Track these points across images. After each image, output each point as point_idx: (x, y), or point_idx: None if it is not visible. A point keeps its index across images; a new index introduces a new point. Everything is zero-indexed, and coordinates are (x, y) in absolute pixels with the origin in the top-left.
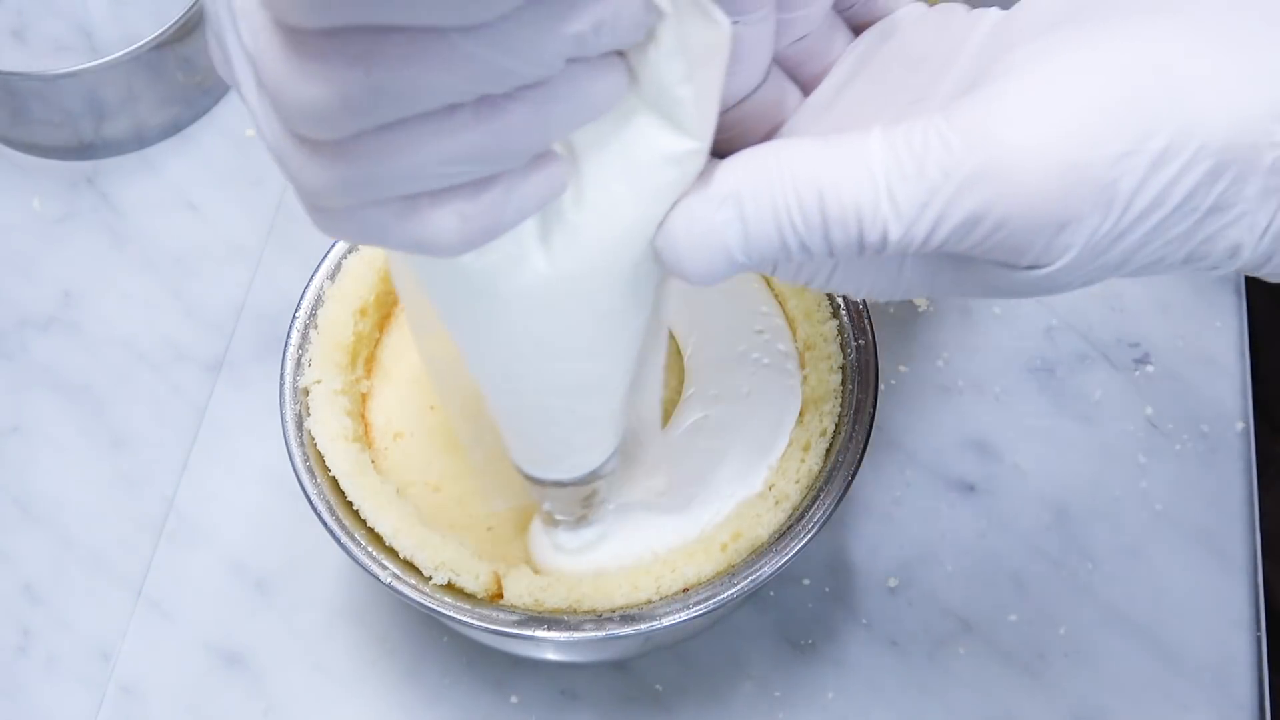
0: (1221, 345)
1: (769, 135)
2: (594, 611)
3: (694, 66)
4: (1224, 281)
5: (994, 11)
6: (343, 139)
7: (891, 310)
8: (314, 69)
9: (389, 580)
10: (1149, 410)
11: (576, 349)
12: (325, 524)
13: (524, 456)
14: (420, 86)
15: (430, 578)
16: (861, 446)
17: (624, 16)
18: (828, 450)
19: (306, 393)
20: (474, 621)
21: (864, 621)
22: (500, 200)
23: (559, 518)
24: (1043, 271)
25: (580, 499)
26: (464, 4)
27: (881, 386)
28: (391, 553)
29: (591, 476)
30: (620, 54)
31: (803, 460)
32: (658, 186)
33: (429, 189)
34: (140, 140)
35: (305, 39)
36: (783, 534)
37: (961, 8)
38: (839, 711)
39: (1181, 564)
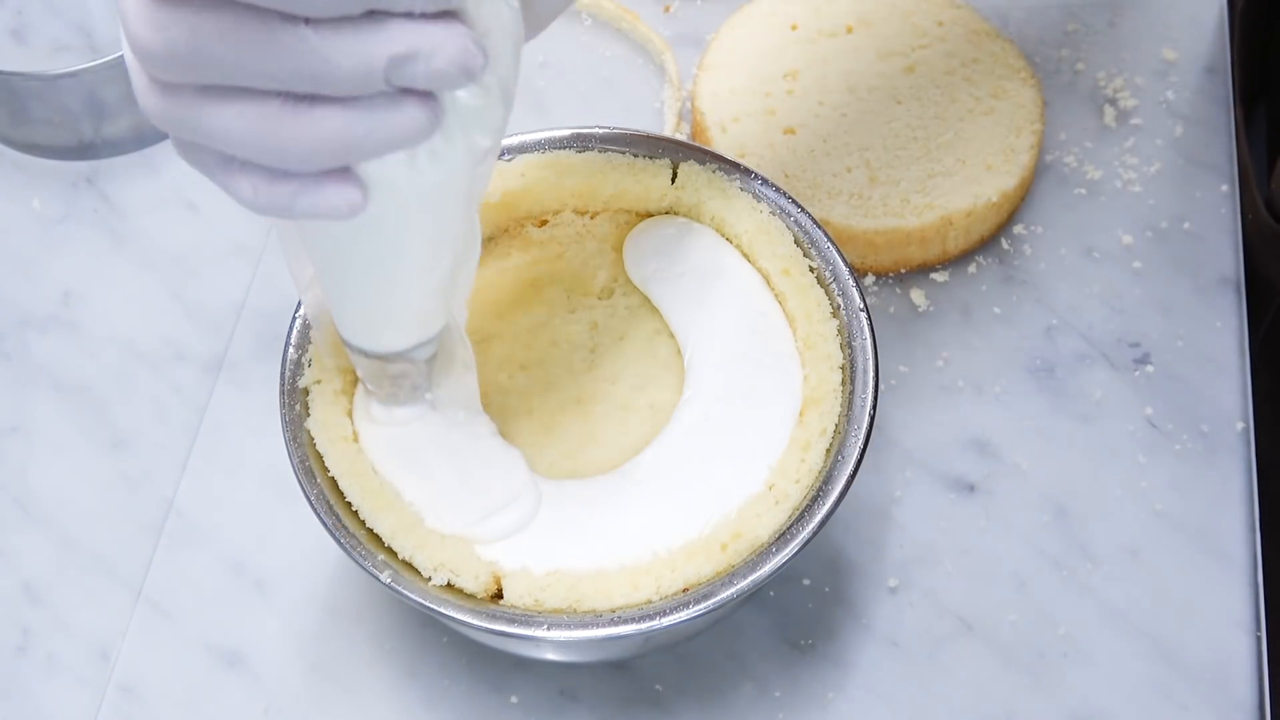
0: (1221, 345)
1: None
2: (594, 611)
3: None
4: (1224, 281)
5: None
6: (171, 84)
7: (891, 310)
8: (156, 20)
9: (389, 580)
10: (1149, 410)
11: (389, 255)
12: (325, 524)
13: (342, 325)
14: (235, 62)
15: (430, 578)
16: (861, 446)
17: (442, 55)
18: (828, 450)
19: (306, 393)
20: (474, 622)
21: (864, 621)
22: (289, 195)
23: (369, 388)
24: None
25: (389, 376)
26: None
27: (881, 386)
28: (391, 553)
29: (397, 357)
30: (431, 98)
31: (803, 460)
32: (473, 159)
33: (235, 155)
34: (140, 140)
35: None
36: (783, 534)
37: None
38: (839, 711)
39: (1181, 564)
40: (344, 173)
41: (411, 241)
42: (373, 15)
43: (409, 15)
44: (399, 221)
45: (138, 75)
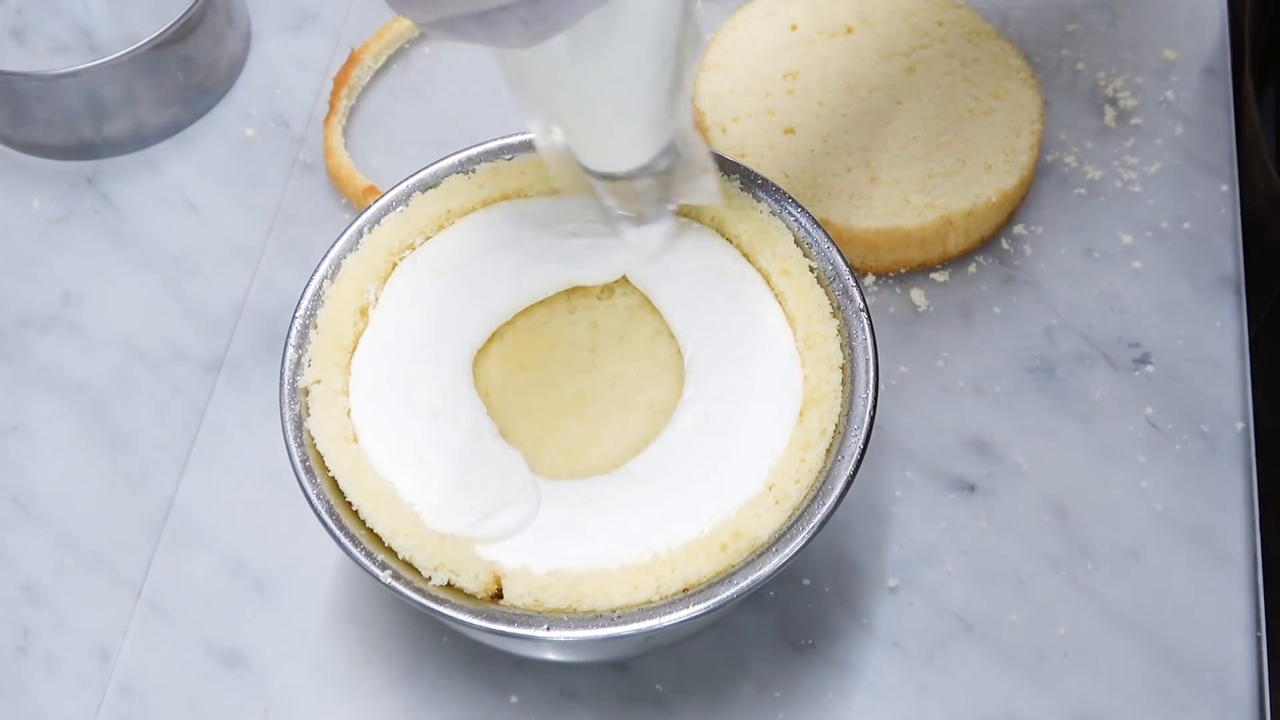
0: (1221, 345)
1: None
2: (594, 611)
3: None
4: (1224, 281)
5: None
6: None
7: (891, 310)
8: None
9: (388, 580)
10: (1149, 410)
11: (627, 70)
12: (325, 524)
13: (587, 155)
14: None
15: (430, 578)
16: (861, 446)
17: None
18: (828, 450)
19: (306, 393)
20: (474, 621)
21: (864, 621)
22: (554, 7)
23: (620, 213)
24: None
25: (635, 195)
26: None
27: (881, 386)
28: (391, 553)
29: (642, 171)
30: None
31: (803, 460)
32: None
33: (495, 8)
34: (140, 140)
35: None
36: (783, 534)
37: None
38: (839, 711)
39: (1181, 564)
40: None
41: (645, 54)
42: None
43: None
44: (634, 34)
45: None
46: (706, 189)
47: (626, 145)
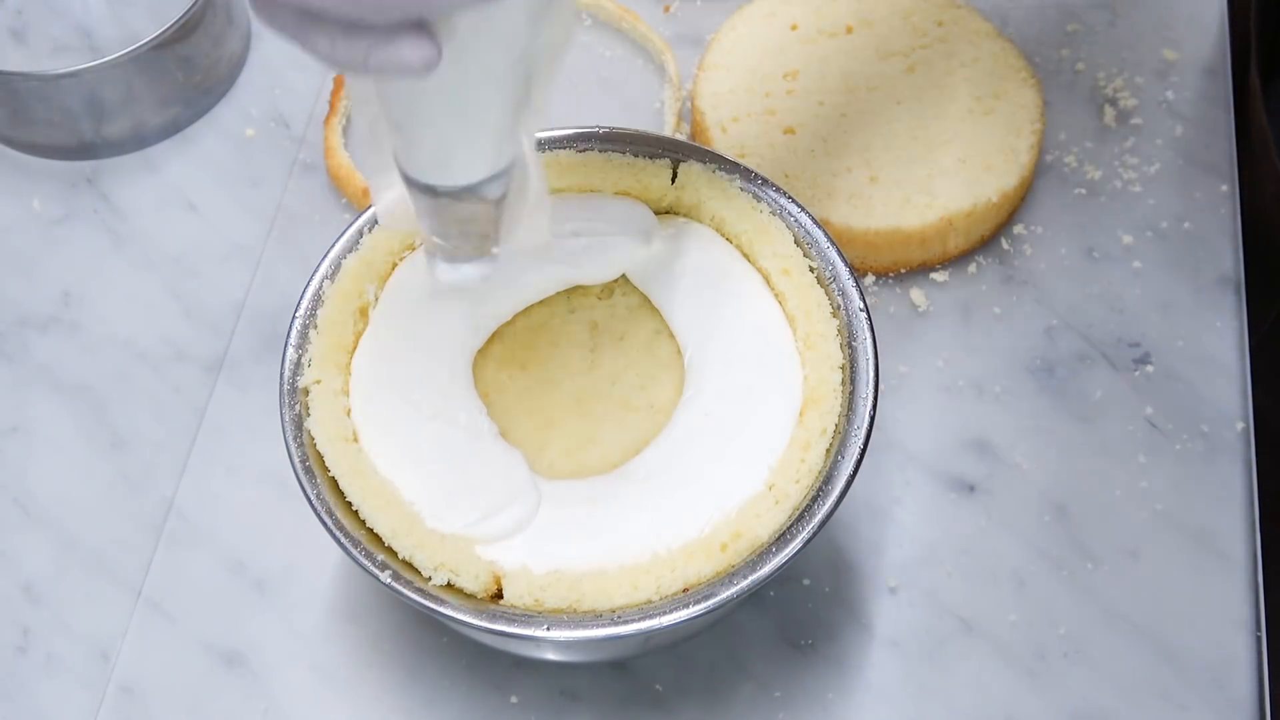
0: (1221, 345)
1: None
2: (594, 611)
3: None
4: (1224, 281)
5: None
6: None
7: (891, 310)
8: None
9: (388, 580)
10: (1149, 410)
11: (461, 85)
12: (325, 524)
13: (410, 160)
14: None
15: (430, 578)
16: (861, 446)
17: None
18: (828, 450)
19: (306, 393)
20: (474, 621)
21: (864, 621)
22: (362, 50)
23: (436, 240)
24: None
25: (456, 221)
26: None
27: (881, 386)
28: (391, 553)
29: (467, 193)
30: None
31: (803, 460)
32: None
33: (318, 9)
34: (140, 140)
35: None
36: (783, 534)
37: None
38: (839, 711)
39: (1181, 564)
40: (418, 26)
41: (485, 72)
42: None
43: None
44: (471, 57)
45: None
46: (537, 229)
47: (453, 152)
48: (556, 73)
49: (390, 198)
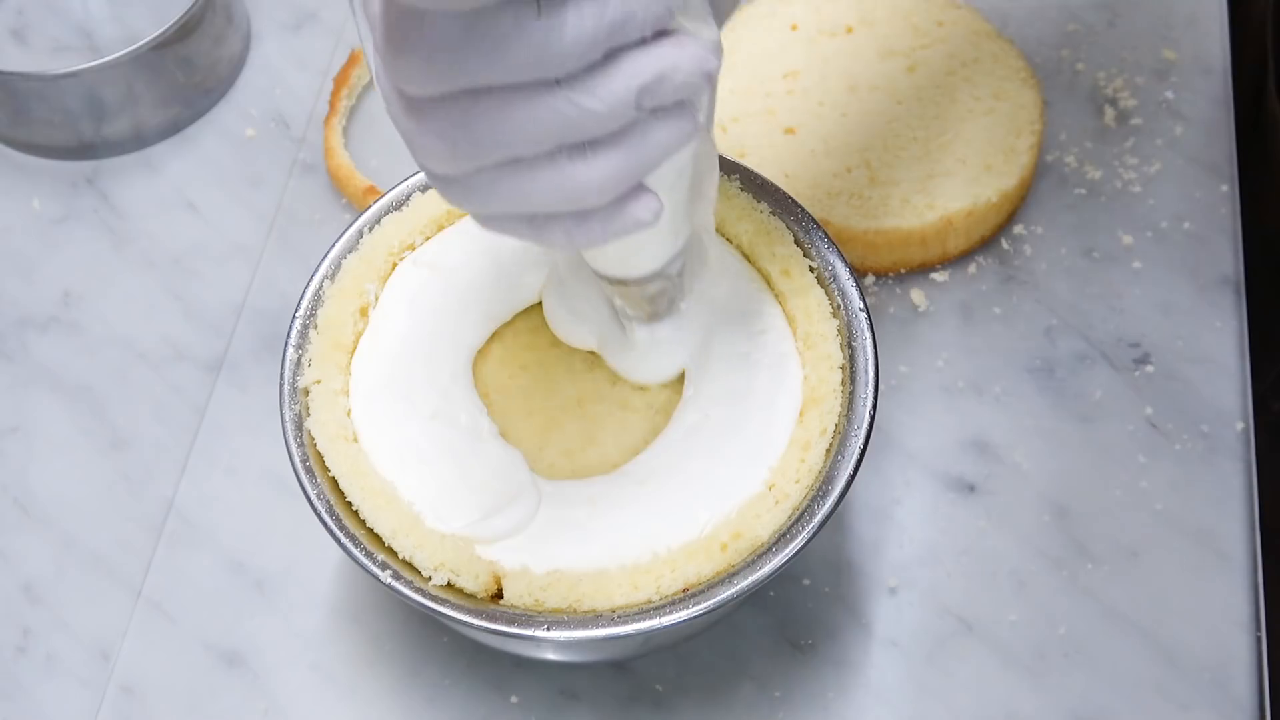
0: (1221, 345)
1: None
2: (594, 611)
3: None
4: (1224, 281)
5: None
6: (463, 174)
7: (891, 310)
8: (427, 126)
9: (389, 580)
10: (1149, 410)
11: None
12: (325, 524)
13: (600, 261)
14: (511, 138)
15: (430, 578)
16: (861, 446)
17: (681, 68)
18: (828, 450)
19: (306, 393)
20: (474, 621)
21: (864, 621)
22: (599, 225)
23: (630, 313)
24: None
25: (647, 297)
26: (537, 63)
27: (881, 386)
28: (391, 553)
29: (655, 276)
30: (688, 105)
31: (803, 460)
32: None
33: (543, 212)
34: (140, 140)
35: (416, 102)
36: (783, 534)
37: None
38: (839, 711)
39: (1181, 564)
40: (637, 188)
41: (664, 185)
42: (611, 54)
43: (642, 42)
44: (663, 186)
45: (437, 184)
46: (717, 288)
47: (638, 252)
48: (715, 166)
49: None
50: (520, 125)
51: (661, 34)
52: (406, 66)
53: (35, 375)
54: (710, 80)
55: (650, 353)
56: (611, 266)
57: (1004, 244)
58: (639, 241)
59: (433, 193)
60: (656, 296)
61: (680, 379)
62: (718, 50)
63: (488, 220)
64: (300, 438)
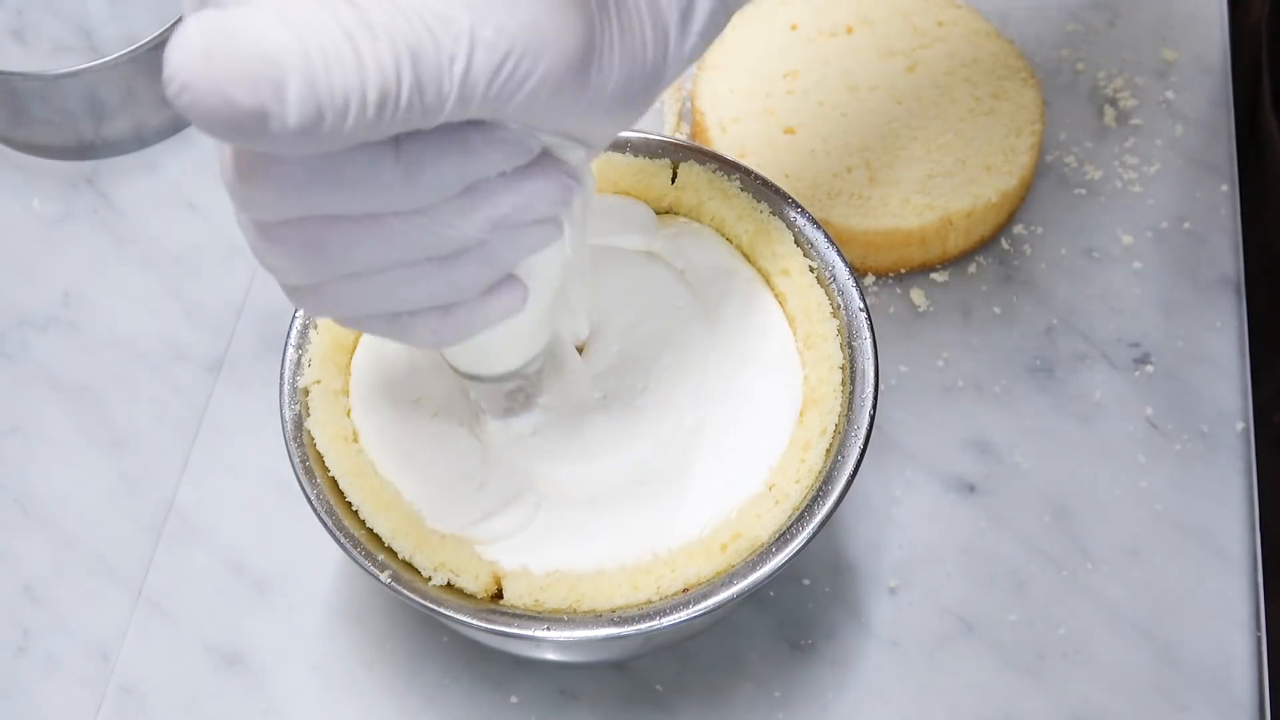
0: (1221, 345)
1: None
2: (594, 612)
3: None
4: (1224, 281)
5: None
6: (318, 284)
7: (891, 310)
8: (279, 249)
9: (388, 581)
10: (1149, 410)
11: None
12: (324, 524)
13: (456, 358)
14: (366, 259)
15: (430, 578)
16: (861, 446)
17: (542, 202)
18: (828, 450)
19: (306, 393)
20: (474, 622)
21: (864, 621)
22: (465, 319)
23: (485, 407)
24: None
25: (503, 394)
26: (390, 202)
27: (881, 386)
28: (391, 553)
29: (511, 375)
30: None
31: (803, 460)
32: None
33: (405, 312)
34: (140, 140)
35: (268, 226)
36: (783, 534)
37: None
38: (839, 711)
39: (1181, 564)
40: (503, 281)
41: (541, 291)
42: (470, 189)
43: (502, 176)
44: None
45: (283, 287)
46: (578, 389)
47: (495, 355)
48: (586, 273)
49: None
50: (372, 248)
51: (524, 165)
52: (253, 197)
53: (35, 375)
54: (568, 205)
55: (501, 441)
56: (467, 364)
57: (1004, 244)
58: (499, 340)
59: None
60: (513, 393)
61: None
62: (585, 171)
63: (346, 322)
64: (300, 438)
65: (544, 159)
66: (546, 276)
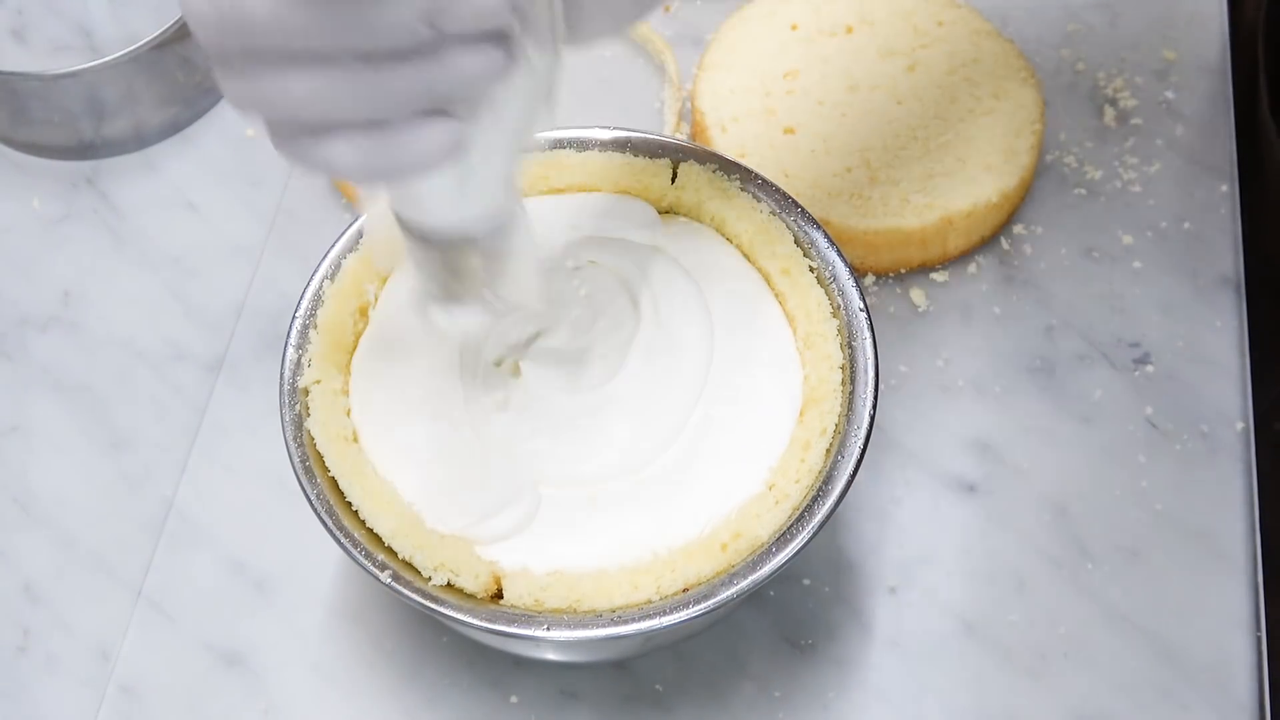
0: (1221, 345)
1: None
2: (594, 611)
3: None
4: (1224, 281)
5: None
6: (241, 58)
7: (891, 310)
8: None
9: (388, 581)
10: (1149, 410)
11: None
12: (325, 524)
13: (404, 205)
14: (293, 29)
15: (430, 578)
16: (861, 446)
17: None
18: (828, 450)
19: (306, 393)
20: (474, 621)
21: (864, 621)
22: (393, 144)
23: (428, 286)
24: None
25: (445, 268)
26: None
27: (881, 386)
28: (391, 553)
29: (456, 241)
30: (504, 42)
31: (803, 460)
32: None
33: (325, 122)
34: (140, 140)
35: None
36: (783, 534)
37: None
38: (839, 711)
39: (1181, 564)
40: (439, 112)
41: (490, 138)
42: None
43: None
44: (479, 130)
45: (216, 62)
46: (528, 287)
47: (438, 199)
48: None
49: (380, 234)
50: (294, 12)
51: None
52: None
53: (35, 375)
54: (512, 7)
55: (446, 338)
56: (408, 207)
57: (1004, 244)
58: (442, 182)
59: None
60: (463, 272)
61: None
62: (548, 28)
63: (277, 139)
64: (300, 438)
65: None
66: (500, 122)
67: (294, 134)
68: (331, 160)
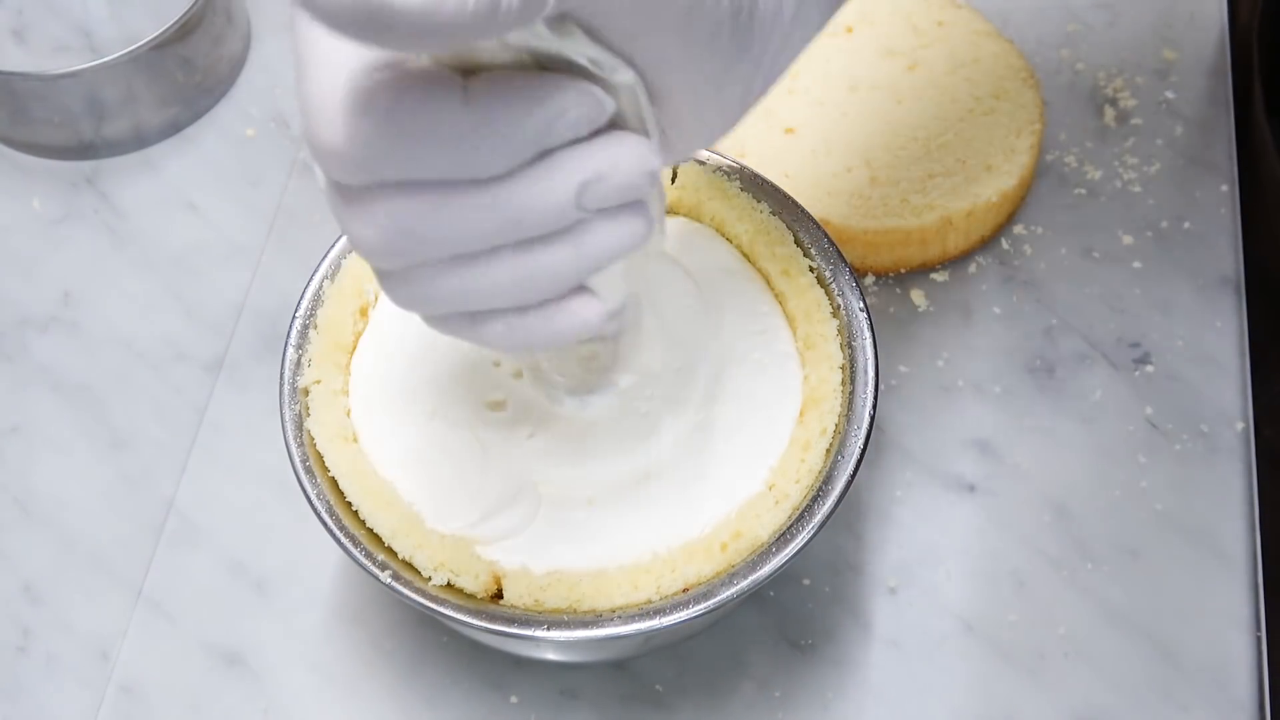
0: (1221, 345)
1: None
2: (594, 611)
3: None
4: (1224, 281)
5: None
6: (402, 269)
7: (891, 310)
8: (358, 214)
9: (388, 581)
10: (1149, 410)
11: None
12: (325, 524)
13: None
14: (446, 236)
15: (430, 578)
16: (861, 446)
17: (621, 167)
18: (828, 450)
19: (306, 393)
20: (474, 621)
21: (864, 621)
22: (540, 323)
23: (557, 378)
24: None
25: (577, 359)
26: (463, 159)
27: (881, 386)
28: (391, 553)
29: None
30: (642, 209)
31: (803, 460)
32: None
33: (481, 309)
34: (140, 140)
35: (349, 191)
36: (783, 534)
37: None
38: (839, 711)
39: (1181, 564)
40: (579, 289)
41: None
42: (545, 153)
43: (577, 141)
44: None
45: (381, 275)
46: (651, 357)
47: None
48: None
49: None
50: (452, 221)
51: (598, 133)
52: (329, 154)
53: (35, 375)
54: (654, 179)
55: (576, 424)
56: None
57: (1004, 244)
58: None
59: None
60: (588, 360)
61: (680, 383)
62: (657, 150)
63: (433, 321)
64: (300, 438)
65: (616, 129)
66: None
67: (450, 319)
68: (487, 339)
